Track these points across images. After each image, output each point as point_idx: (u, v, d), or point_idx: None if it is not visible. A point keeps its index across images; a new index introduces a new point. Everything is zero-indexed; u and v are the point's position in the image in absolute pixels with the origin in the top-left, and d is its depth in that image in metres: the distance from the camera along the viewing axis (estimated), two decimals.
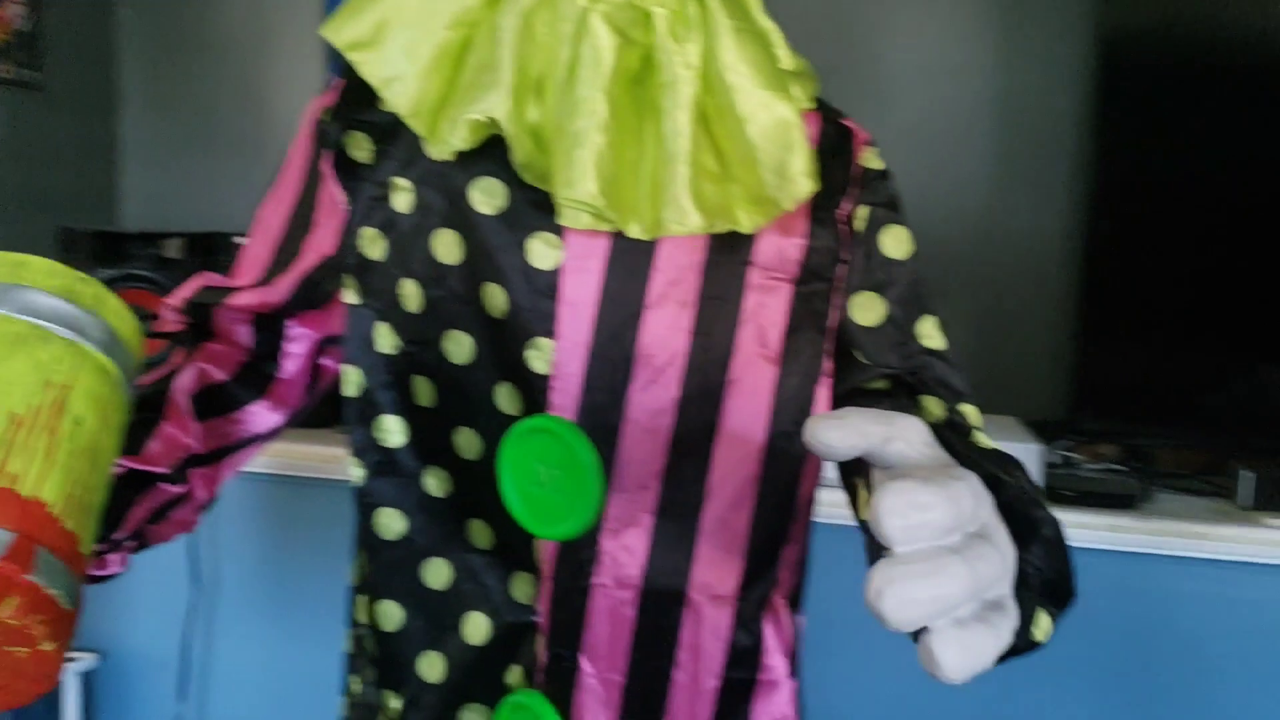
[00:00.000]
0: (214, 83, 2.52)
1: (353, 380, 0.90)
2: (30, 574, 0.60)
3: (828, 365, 0.88)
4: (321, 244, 0.91)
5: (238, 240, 2.05)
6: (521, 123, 0.78)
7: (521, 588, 0.86)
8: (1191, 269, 1.92)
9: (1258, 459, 1.83)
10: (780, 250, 0.84)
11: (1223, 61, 1.87)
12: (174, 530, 0.90)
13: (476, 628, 0.88)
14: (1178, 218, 1.91)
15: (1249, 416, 1.88)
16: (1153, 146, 1.92)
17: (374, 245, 0.87)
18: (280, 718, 2.16)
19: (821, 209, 0.86)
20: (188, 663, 2.11)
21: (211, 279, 0.96)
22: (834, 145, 0.88)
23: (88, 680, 2.16)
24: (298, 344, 0.97)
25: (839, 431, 0.51)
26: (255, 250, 0.96)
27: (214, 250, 2.09)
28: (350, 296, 0.89)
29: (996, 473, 0.71)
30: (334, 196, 0.89)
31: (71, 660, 2.11)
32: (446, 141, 0.80)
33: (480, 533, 0.87)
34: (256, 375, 0.95)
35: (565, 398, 0.82)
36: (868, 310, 0.88)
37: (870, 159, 0.90)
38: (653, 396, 0.82)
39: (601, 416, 0.82)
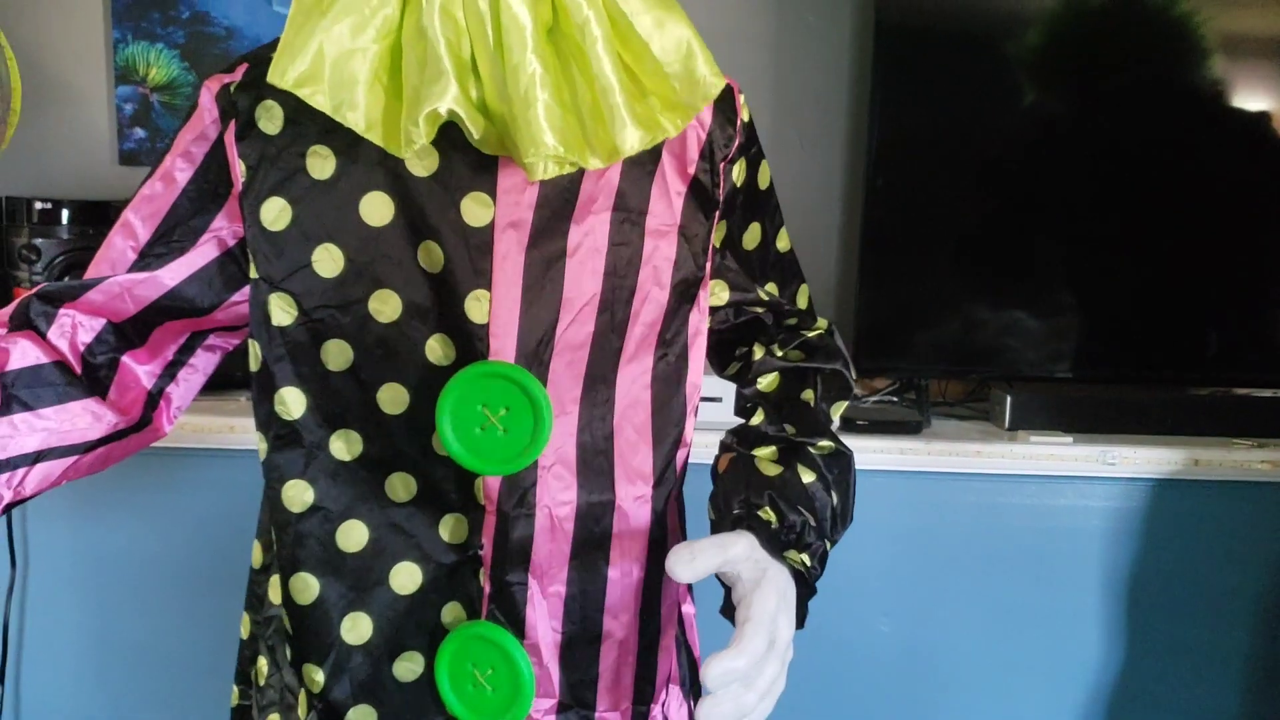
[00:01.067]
0: None
1: (254, 355, 0.94)
2: None
3: (702, 295, 1.03)
4: (221, 222, 0.94)
5: (40, 206, 1.97)
6: (469, 103, 0.84)
7: (453, 529, 0.94)
8: (952, 221, 2.16)
9: (1012, 384, 2.11)
10: (669, 192, 0.97)
11: (984, 28, 2.11)
12: None
13: (409, 576, 0.95)
14: (941, 175, 2.14)
15: (1003, 348, 2.14)
16: (921, 108, 2.14)
17: (279, 215, 0.91)
18: (102, 692, 2.12)
19: (709, 158, 0.99)
20: (4, 642, 2.03)
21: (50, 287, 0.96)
22: (719, 99, 0.99)
23: None
24: (136, 366, 0.99)
25: (689, 568, 0.81)
26: (127, 235, 0.96)
27: (5, 217, 2.00)
28: (251, 271, 0.93)
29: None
30: (235, 170, 0.92)
31: None
32: (410, 144, 0.83)
33: (401, 485, 0.94)
34: (83, 383, 0.96)
35: (504, 342, 0.90)
36: (753, 236, 1.06)
37: (744, 109, 1.03)
38: (574, 333, 0.93)
39: (534, 356, 0.92)
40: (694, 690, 1.11)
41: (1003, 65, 2.13)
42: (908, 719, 2.08)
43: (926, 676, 2.06)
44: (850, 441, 1.08)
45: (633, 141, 0.86)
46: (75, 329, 0.95)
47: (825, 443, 1.00)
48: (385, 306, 0.91)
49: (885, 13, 2.09)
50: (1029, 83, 2.16)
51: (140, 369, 0.99)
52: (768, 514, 0.93)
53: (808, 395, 1.04)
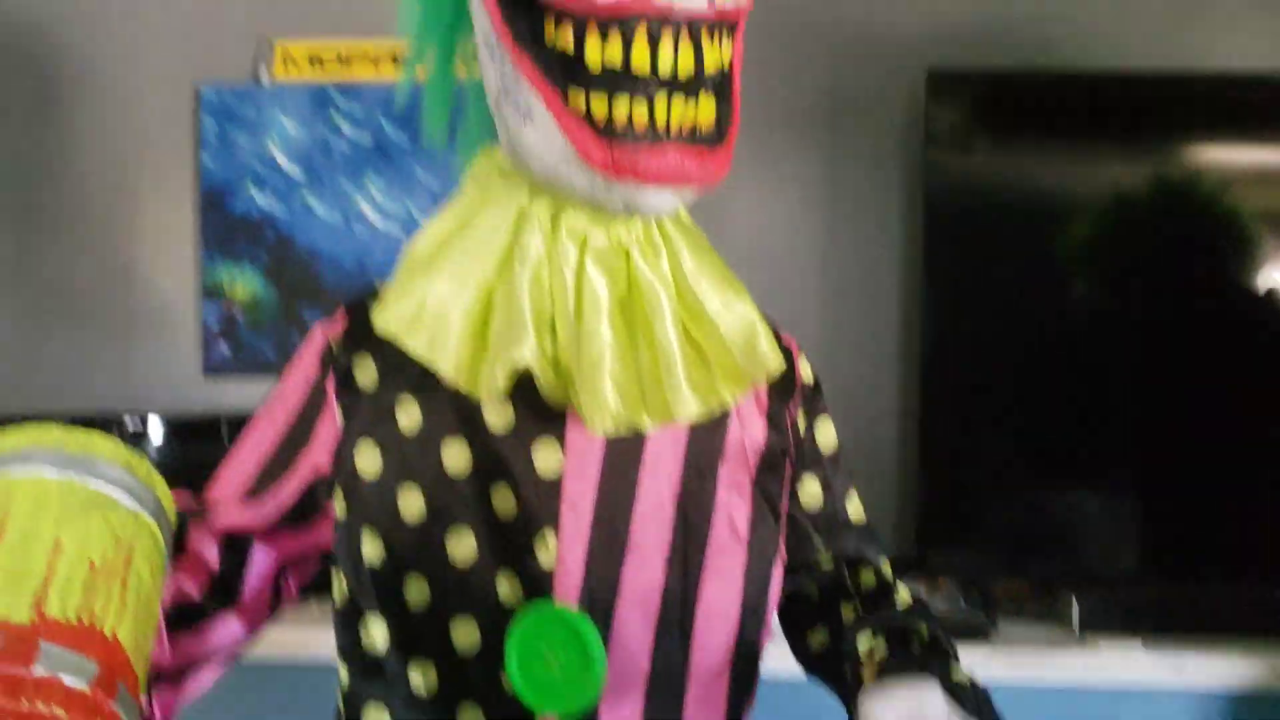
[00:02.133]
0: (82, 264, 2.52)
1: (339, 588, 1.01)
2: (113, 704, 0.69)
3: (781, 547, 1.05)
4: (319, 460, 1.01)
5: (128, 419, 2.07)
6: (545, 359, 0.94)
7: None
8: (1011, 416, 2.18)
9: (1082, 585, 2.08)
10: (743, 452, 1.02)
11: (1034, 221, 2.17)
12: None
13: None
14: (1000, 369, 2.18)
15: (1069, 545, 2.12)
16: (973, 302, 2.19)
17: (370, 459, 0.98)
18: None
19: (774, 414, 1.04)
20: None
21: (187, 498, 1.02)
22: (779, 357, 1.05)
23: None
24: (261, 564, 1.04)
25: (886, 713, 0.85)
26: (239, 466, 1.04)
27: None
28: (339, 510, 0.99)
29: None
30: (334, 416, 1.00)
31: None
32: (489, 390, 0.93)
33: (470, 718, 0.97)
34: (223, 593, 1.02)
35: (568, 586, 0.94)
36: (811, 494, 1.08)
37: (805, 369, 1.10)
38: (643, 579, 0.97)
39: (600, 600, 0.95)
40: None
41: (1052, 257, 2.19)
42: None
43: None
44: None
45: (689, 411, 0.94)
46: (212, 553, 1.01)
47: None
48: (461, 549, 0.96)
49: (935, 209, 2.18)
50: (1082, 272, 2.21)
51: (264, 569, 1.05)
52: (919, 628, 0.98)
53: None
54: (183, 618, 0.97)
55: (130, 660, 0.74)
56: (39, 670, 0.68)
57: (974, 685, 0.95)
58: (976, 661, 1.83)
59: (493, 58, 0.94)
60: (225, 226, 2.47)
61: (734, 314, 0.97)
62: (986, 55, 2.33)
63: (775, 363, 0.99)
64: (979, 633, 1.96)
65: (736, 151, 0.94)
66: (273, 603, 1.07)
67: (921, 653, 0.98)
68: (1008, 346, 2.19)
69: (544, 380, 0.94)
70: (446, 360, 0.94)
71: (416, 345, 0.95)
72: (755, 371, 0.98)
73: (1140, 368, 2.15)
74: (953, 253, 2.19)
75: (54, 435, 0.81)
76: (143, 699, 0.73)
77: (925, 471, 2.17)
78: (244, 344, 2.47)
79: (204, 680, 1.03)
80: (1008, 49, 2.34)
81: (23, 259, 2.54)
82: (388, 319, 0.96)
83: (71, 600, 0.72)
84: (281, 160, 2.46)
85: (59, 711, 0.67)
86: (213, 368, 2.48)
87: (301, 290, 2.47)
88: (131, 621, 0.76)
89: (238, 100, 2.46)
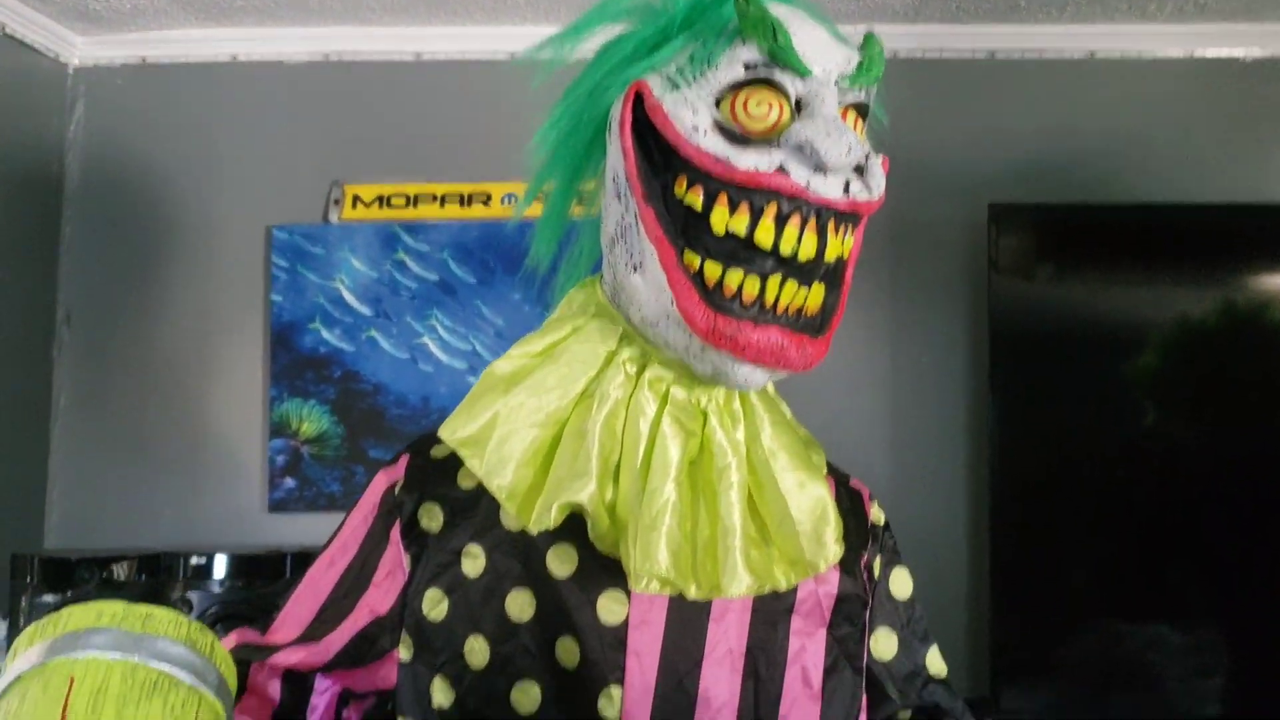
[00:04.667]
0: (151, 401, 2.57)
1: None
2: None
3: (862, 699, 1.01)
4: (376, 604, 1.00)
5: (194, 561, 2.09)
6: (601, 504, 0.91)
7: None
8: (1084, 552, 2.13)
9: None
10: (817, 601, 0.99)
11: (1101, 351, 2.15)
12: None
13: None
14: (1072, 500, 2.13)
15: (1150, 686, 2.04)
16: (1041, 433, 2.16)
17: (437, 606, 0.96)
18: None
19: (849, 562, 1.01)
20: None
21: (251, 636, 1.03)
22: (850, 506, 1.04)
23: None
24: (323, 696, 1.04)
25: None
26: (299, 607, 1.04)
27: (160, 570, 2.11)
28: (405, 654, 0.98)
29: None
30: (399, 561, 0.99)
31: None
32: (540, 523, 0.91)
33: None
34: None
35: None
36: (886, 645, 1.04)
37: (876, 513, 1.07)
38: None
39: None
40: None
41: (1121, 385, 2.17)
42: None
43: None
44: None
45: (739, 589, 0.91)
46: (275, 689, 1.02)
47: None
48: (525, 698, 0.93)
49: (1001, 339, 2.16)
50: (1152, 400, 2.18)
51: (322, 708, 1.05)
52: None
53: None
54: None
55: None
56: None
57: None
58: None
59: (618, 199, 0.95)
60: (293, 363, 2.52)
61: (807, 496, 0.95)
62: (1049, 189, 2.35)
63: (838, 553, 0.96)
64: None
65: None
66: None
67: None
68: (1078, 478, 2.15)
69: (597, 525, 0.91)
70: (502, 483, 0.93)
71: (475, 463, 0.94)
72: (816, 560, 0.95)
73: (1217, 497, 2.11)
74: (1019, 382, 2.18)
75: (115, 612, 0.80)
76: None
77: (997, 609, 2.11)
78: (309, 480, 2.49)
79: None
80: (1069, 184, 2.37)
81: (93, 395, 2.60)
82: (453, 429, 0.96)
83: None
84: (349, 298, 2.51)
85: None
86: (277, 503, 2.50)
87: (366, 427, 2.50)
88: None
89: (308, 239, 2.53)
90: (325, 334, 2.51)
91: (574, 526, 0.93)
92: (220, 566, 2.09)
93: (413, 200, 2.52)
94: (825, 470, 1.03)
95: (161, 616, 0.82)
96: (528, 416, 0.94)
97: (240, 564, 2.11)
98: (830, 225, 0.87)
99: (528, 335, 1.00)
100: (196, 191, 2.59)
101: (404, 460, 1.03)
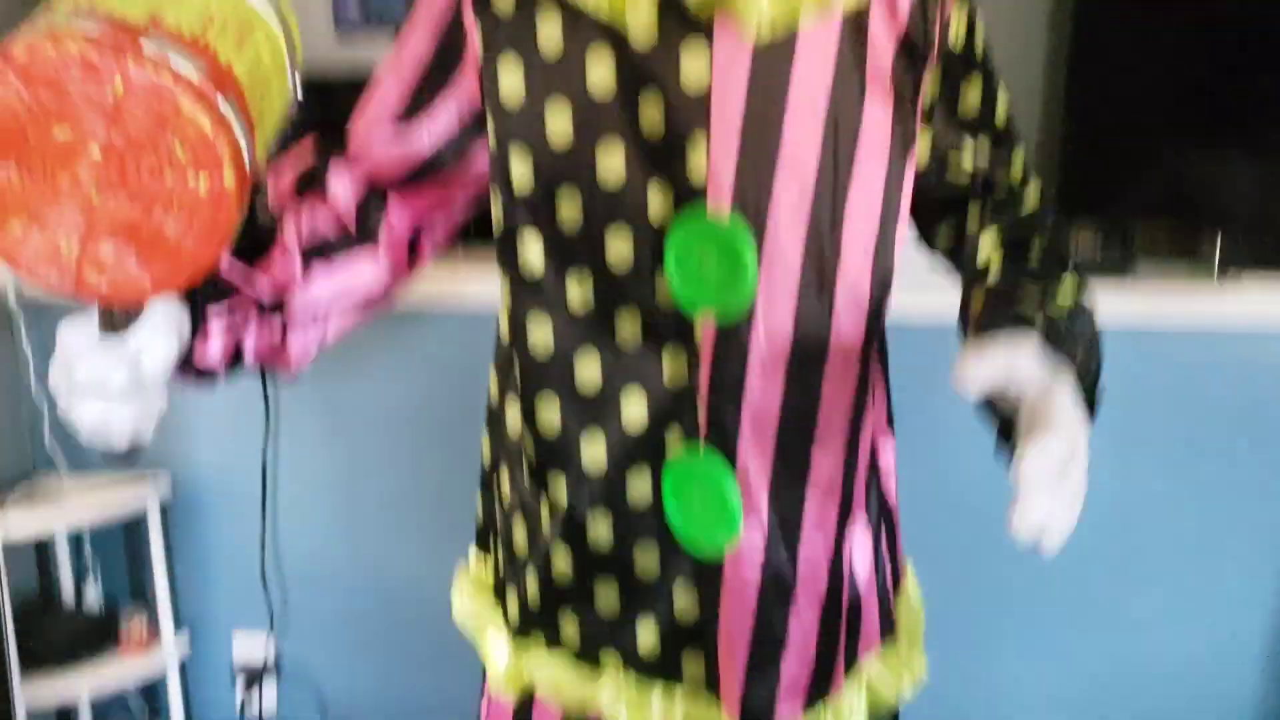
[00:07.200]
0: None
1: (496, 212, 1.03)
2: (222, 105, 0.70)
3: (916, 143, 1.05)
4: (471, 83, 1.01)
5: None
6: None
7: (673, 369, 1.02)
8: (1162, 80, 2.06)
9: (1225, 221, 2.02)
10: (885, 63, 1.00)
11: None
12: (275, 355, 1.03)
13: (637, 409, 1.03)
14: (1153, 31, 2.04)
15: (1215, 192, 2.05)
16: None
17: (514, 77, 0.98)
18: (350, 540, 2.35)
19: (920, 13, 1.01)
20: (264, 487, 2.25)
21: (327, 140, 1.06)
22: None
23: (164, 508, 2.32)
24: (398, 215, 1.08)
25: (976, 370, 0.83)
26: (386, 93, 1.04)
27: None
28: (490, 136, 1.00)
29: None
30: (473, 39, 0.99)
31: (148, 477, 2.27)
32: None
33: (629, 330, 1.02)
34: (359, 232, 1.06)
35: (720, 196, 0.96)
36: (969, 100, 1.08)
37: None
38: (795, 188, 0.98)
39: (753, 210, 0.97)
40: (882, 521, 1.19)
41: None
42: (1106, 583, 2.09)
43: (1124, 542, 2.05)
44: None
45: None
46: (353, 195, 1.05)
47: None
48: (611, 164, 0.97)
49: None
50: None
51: (401, 223, 1.09)
52: (1055, 309, 0.96)
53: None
54: (319, 250, 1.02)
55: (244, 93, 0.74)
56: (149, 48, 0.68)
57: (1075, 310, 0.97)
58: (1113, 303, 1.85)
59: None
60: None
61: None
62: None
63: None
64: (1116, 269, 1.93)
65: None
66: (409, 260, 1.11)
67: (1024, 295, 0.98)
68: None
69: None
70: None
71: None
72: None
73: None
74: None
75: None
76: (262, 154, 0.76)
77: (1070, 111, 2.08)
78: (372, 2, 2.45)
79: (343, 324, 1.08)
80: None
81: None
82: None
83: (186, 24, 0.72)
84: None
85: (166, 80, 0.68)
86: (344, 30, 2.48)
87: None
88: (247, 70, 0.75)
89: None
90: None
91: None
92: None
93: None
94: None
95: None
96: None
97: (309, 94, 2.11)
98: None
99: None
100: None
101: None
